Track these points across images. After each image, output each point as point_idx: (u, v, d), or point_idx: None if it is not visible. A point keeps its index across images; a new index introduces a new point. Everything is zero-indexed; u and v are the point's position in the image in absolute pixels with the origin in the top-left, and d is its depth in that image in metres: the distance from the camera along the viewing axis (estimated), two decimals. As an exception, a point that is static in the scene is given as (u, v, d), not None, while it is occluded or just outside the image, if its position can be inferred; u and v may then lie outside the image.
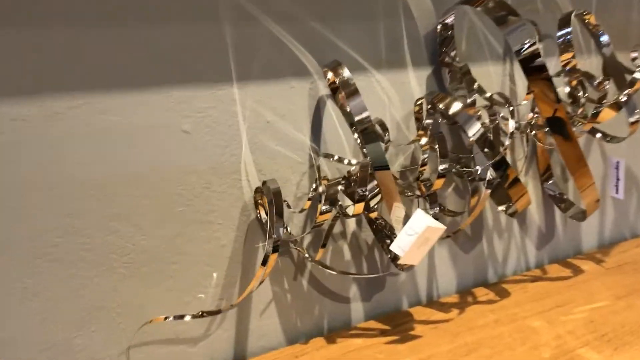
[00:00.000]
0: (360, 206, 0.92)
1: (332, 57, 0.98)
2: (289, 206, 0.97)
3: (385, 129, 0.99)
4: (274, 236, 0.84)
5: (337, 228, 1.05)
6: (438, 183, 0.95)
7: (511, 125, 1.00)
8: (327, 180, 0.98)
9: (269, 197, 0.86)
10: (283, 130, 0.97)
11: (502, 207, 1.16)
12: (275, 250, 0.84)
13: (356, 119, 0.88)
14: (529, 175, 1.29)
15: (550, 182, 1.31)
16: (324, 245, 0.97)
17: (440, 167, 0.95)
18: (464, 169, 1.05)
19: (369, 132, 0.88)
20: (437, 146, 0.97)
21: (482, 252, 1.25)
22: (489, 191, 1.01)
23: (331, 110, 1.01)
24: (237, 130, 0.92)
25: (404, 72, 1.07)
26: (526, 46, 0.92)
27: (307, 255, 0.98)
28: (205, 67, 0.88)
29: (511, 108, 1.03)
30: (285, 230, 0.97)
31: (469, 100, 1.08)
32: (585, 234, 1.42)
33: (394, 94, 1.07)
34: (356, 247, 1.08)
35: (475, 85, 1.10)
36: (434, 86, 1.11)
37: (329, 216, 0.93)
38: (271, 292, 1.00)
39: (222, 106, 0.90)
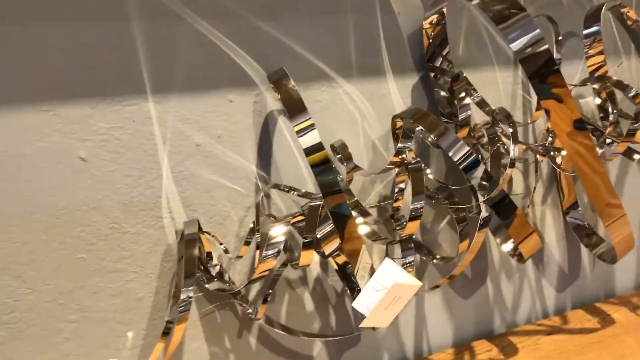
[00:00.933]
0: (307, 255, 0.72)
1: (285, 63, 0.78)
2: (226, 251, 0.78)
3: (346, 157, 0.78)
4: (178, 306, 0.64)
5: (296, 273, 0.85)
6: (411, 227, 0.74)
7: (512, 150, 0.78)
8: (274, 218, 0.78)
9: (180, 252, 0.67)
10: (219, 155, 0.77)
11: (507, 248, 0.94)
12: (181, 319, 0.64)
13: (303, 146, 0.68)
14: (547, 203, 1.06)
15: (575, 211, 1.07)
16: (265, 301, 0.77)
17: (413, 206, 0.73)
18: (452, 204, 0.84)
19: (321, 163, 0.68)
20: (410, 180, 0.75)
21: (486, 296, 1.03)
22: (483, 233, 0.80)
23: (284, 128, 0.81)
24: (155, 155, 0.73)
25: (382, 82, 0.86)
26: (531, 46, 0.70)
27: (249, 310, 0.79)
28: (106, 76, 0.69)
29: (510, 129, 0.81)
30: (226, 279, 0.78)
31: (463, 116, 0.86)
32: (619, 273, 1.18)
33: (368, 109, 0.86)
34: (321, 296, 0.88)
35: (475, 97, 0.88)
36: (422, 99, 0.90)
37: (271, 265, 0.73)
38: (208, 353, 0.81)
39: (132, 126, 0.71)
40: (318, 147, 0.69)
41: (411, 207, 0.74)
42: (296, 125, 0.69)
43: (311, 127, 0.69)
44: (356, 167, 0.79)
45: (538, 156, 0.90)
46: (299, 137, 0.69)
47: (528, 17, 0.69)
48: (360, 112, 0.86)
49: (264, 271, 0.73)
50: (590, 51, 0.94)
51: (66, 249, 0.70)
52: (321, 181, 0.69)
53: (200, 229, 0.73)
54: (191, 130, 0.75)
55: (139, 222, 0.73)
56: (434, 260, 0.85)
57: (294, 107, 0.69)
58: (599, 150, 0.92)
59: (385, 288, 0.73)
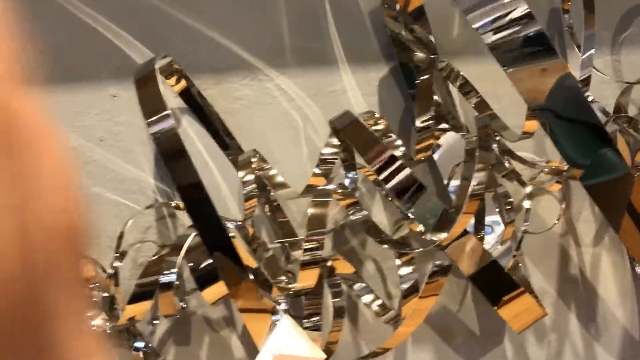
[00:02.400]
0: (166, 302, 0.55)
1: (190, 48, 0.61)
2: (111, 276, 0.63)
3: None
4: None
5: (218, 311, 0.69)
6: (305, 277, 0.53)
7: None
8: (162, 246, 0.62)
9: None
10: (103, 163, 0.63)
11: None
12: None
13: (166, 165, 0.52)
14: (603, 243, 0.77)
15: (649, 258, 0.77)
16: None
17: (306, 245, 0.53)
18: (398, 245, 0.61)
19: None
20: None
21: (505, 362, 0.78)
22: (438, 287, 0.57)
23: (190, 131, 0.64)
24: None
25: (332, 74, 0.67)
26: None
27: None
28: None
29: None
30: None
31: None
32: None
33: (313, 110, 0.67)
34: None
35: (473, 100, 0.64)
36: (395, 98, 0.67)
37: (143, 309, 0.58)
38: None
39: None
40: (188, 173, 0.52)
41: (304, 246, 0.53)
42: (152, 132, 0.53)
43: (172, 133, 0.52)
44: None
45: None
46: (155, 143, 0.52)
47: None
48: (302, 113, 0.66)
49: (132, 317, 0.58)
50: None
51: None
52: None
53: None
54: (63, 132, 0.61)
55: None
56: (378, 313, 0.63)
57: (149, 107, 0.53)
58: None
59: (280, 352, 0.54)
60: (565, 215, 0.75)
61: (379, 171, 0.54)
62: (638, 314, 0.82)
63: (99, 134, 0.63)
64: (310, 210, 0.55)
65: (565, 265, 0.78)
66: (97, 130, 0.63)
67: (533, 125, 0.58)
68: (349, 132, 0.56)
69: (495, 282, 0.58)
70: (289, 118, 0.66)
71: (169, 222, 0.66)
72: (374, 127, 0.64)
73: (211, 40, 0.63)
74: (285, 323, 0.55)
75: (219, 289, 0.56)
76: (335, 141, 0.57)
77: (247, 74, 0.65)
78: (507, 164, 0.65)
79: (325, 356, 0.54)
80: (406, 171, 0.54)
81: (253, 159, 0.61)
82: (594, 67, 0.65)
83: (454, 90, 0.68)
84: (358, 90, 0.67)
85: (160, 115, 0.52)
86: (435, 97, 0.65)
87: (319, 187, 0.56)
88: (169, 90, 0.62)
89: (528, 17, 0.50)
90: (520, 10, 0.50)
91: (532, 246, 0.76)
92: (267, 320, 0.56)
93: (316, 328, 0.56)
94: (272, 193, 0.64)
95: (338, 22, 0.65)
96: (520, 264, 0.69)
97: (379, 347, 0.62)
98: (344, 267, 0.64)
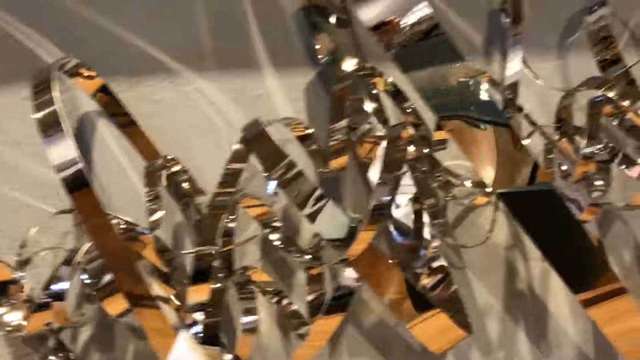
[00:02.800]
0: (58, 312, 0.54)
1: (102, 50, 0.60)
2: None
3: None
4: None
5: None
6: (195, 292, 0.51)
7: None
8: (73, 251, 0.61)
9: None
10: (21, 167, 0.62)
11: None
12: None
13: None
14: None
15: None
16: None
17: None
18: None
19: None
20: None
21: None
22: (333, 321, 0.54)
23: (107, 136, 0.63)
24: None
25: (255, 78, 0.64)
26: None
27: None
28: None
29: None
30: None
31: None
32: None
33: (237, 114, 0.64)
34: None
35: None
36: (324, 102, 0.65)
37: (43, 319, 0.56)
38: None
39: None
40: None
41: (192, 260, 0.51)
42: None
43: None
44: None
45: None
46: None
47: None
48: (224, 117, 0.64)
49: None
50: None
51: None
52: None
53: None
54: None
55: None
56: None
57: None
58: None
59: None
60: (511, 228, 0.72)
61: (280, 181, 0.52)
62: (592, 330, 0.77)
63: (15, 137, 0.62)
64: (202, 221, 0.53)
65: (512, 279, 0.75)
66: (15, 133, 0.62)
67: (441, 134, 0.55)
68: (253, 141, 0.54)
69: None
70: (210, 122, 0.64)
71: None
72: (297, 134, 0.61)
73: (127, 43, 0.61)
74: (182, 341, 0.53)
75: (119, 303, 0.55)
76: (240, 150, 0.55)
77: (166, 76, 0.63)
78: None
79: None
80: (304, 180, 0.52)
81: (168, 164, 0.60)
82: (532, 72, 0.62)
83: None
84: (284, 95, 0.65)
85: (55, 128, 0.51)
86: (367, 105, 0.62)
87: (217, 198, 0.54)
88: (82, 93, 0.61)
89: (430, 19, 0.47)
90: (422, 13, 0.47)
91: (476, 260, 0.73)
92: (171, 336, 0.54)
93: (215, 344, 0.54)
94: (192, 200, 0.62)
95: (260, 25, 0.63)
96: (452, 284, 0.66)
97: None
98: (261, 278, 0.62)
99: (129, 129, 0.62)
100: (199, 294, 0.51)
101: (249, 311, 0.58)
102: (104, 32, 0.61)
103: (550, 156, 0.61)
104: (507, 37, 0.62)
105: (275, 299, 0.62)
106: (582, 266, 0.52)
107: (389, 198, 0.51)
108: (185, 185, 0.62)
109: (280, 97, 0.65)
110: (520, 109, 0.59)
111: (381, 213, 0.51)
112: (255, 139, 0.54)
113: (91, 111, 0.63)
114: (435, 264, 0.63)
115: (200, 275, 0.51)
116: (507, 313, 0.75)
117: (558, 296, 0.75)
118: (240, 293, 0.59)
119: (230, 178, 0.55)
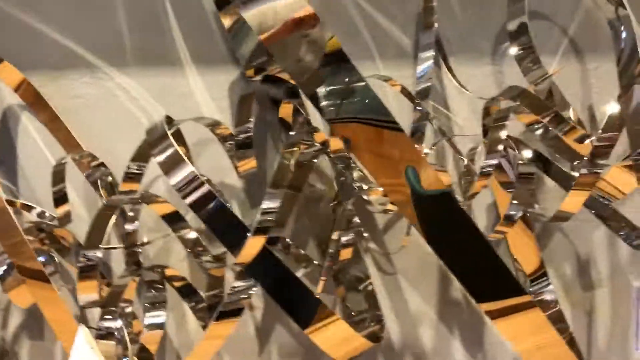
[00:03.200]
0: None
1: (22, 45, 0.61)
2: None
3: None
4: None
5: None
6: (84, 288, 0.52)
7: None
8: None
9: None
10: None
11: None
12: None
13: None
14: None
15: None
16: None
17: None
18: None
19: None
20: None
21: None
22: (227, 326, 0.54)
23: (31, 128, 0.64)
24: None
25: (178, 76, 0.63)
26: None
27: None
28: None
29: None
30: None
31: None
32: None
33: (158, 109, 0.65)
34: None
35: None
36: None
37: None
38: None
39: None
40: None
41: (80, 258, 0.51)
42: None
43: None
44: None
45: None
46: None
47: None
48: (147, 114, 0.64)
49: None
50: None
51: None
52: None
53: None
54: None
55: None
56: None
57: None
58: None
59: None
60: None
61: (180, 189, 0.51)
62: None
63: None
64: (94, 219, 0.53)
65: (446, 287, 0.73)
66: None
67: (337, 143, 0.53)
68: (155, 144, 0.53)
69: (304, 306, 0.54)
70: (132, 118, 0.64)
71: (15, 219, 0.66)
72: (219, 133, 0.61)
73: (48, 38, 0.62)
74: (80, 336, 0.54)
75: (24, 295, 0.56)
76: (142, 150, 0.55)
77: (86, 72, 0.63)
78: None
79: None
80: (204, 188, 0.51)
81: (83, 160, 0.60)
82: (455, 79, 0.60)
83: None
84: (207, 93, 0.64)
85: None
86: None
87: (114, 196, 0.54)
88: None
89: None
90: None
91: (408, 267, 0.71)
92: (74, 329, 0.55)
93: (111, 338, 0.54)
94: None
95: (181, 23, 0.62)
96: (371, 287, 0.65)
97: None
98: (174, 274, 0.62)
99: (51, 123, 0.63)
100: (87, 290, 0.52)
101: (157, 307, 0.58)
102: (25, 29, 0.62)
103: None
104: (419, 43, 0.60)
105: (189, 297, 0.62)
106: (482, 274, 0.50)
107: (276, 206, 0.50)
108: (105, 180, 0.62)
109: (204, 95, 0.64)
110: (426, 115, 0.56)
111: (267, 226, 0.50)
112: (157, 142, 0.54)
113: (14, 104, 0.63)
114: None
115: (86, 273, 0.51)
116: (442, 321, 0.73)
117: (494, 307, 0.73)
118: (148, 290, 0.59)
119: (131, 178, 0.55)
